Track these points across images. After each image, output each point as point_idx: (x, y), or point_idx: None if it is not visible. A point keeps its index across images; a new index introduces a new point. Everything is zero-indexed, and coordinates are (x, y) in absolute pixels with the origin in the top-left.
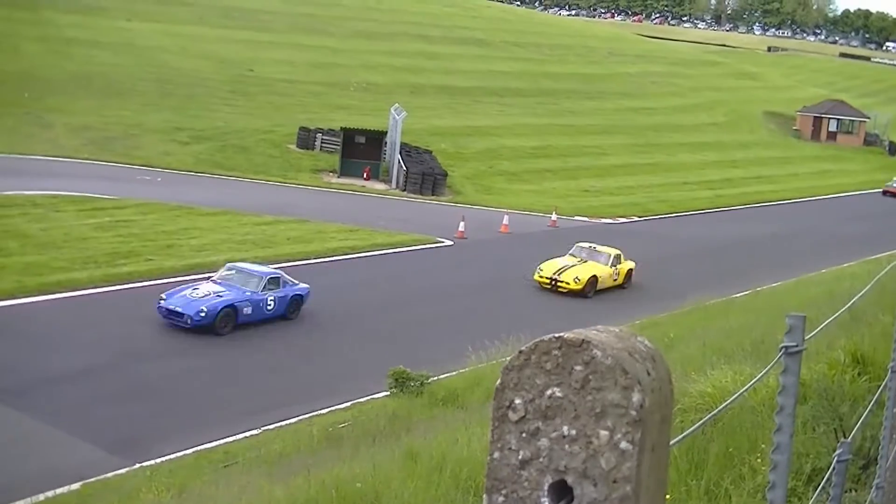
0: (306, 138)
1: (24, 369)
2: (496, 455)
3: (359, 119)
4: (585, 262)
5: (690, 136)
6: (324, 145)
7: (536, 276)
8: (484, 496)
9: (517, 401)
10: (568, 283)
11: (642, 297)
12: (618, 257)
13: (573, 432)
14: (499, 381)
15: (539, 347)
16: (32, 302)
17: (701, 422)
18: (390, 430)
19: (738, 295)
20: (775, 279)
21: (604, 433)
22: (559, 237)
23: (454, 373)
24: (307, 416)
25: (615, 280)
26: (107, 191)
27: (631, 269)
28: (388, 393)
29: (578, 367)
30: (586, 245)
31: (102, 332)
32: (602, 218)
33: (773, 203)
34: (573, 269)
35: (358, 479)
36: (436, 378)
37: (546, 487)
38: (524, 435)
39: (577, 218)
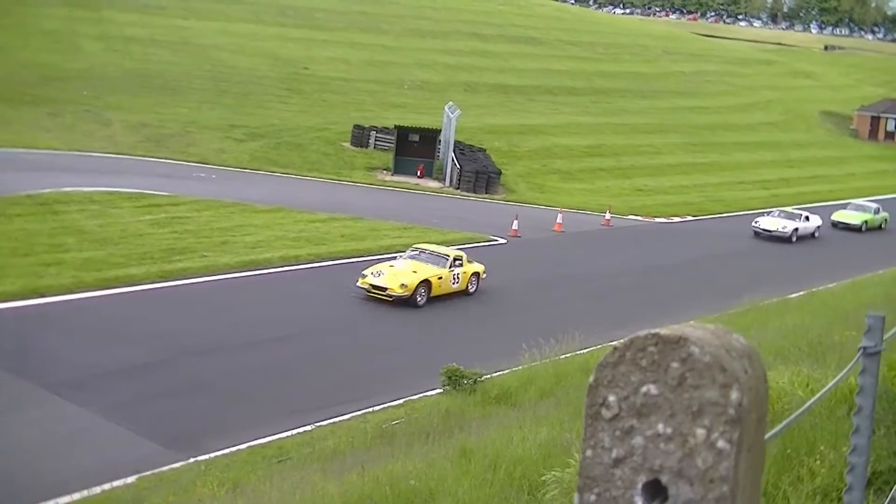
0: (360, 136)
1: (81, 363)
2: (588, 453)
3: (413, 117)
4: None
5: (746, 135)
6: (378, 143)
7: (361, 282)
8: (575, 495)
9: (611, 398)
10: (393, 289)
11: (702, 295)
12: (458, 259)
13: (669, 430)
14: (592, 378)
15: (634, 344)
16: (90, 297)
17: (793, 416)
18: (443, 427)
19: (793, 296)
20: (830, 280)
21: (701, 432)
22: (613, 236)
23: (507, 371)
24: (360, 412)
25: (455, 285)
26: (163, 187)
27: (477, 273)
28: (441, 390)
29: (675, 365)
30: (424, 247)
31: (160, 327)
32: (656, 217)
33: (830, 203)
34: (400, 273)
35: (412, 477)
36: (489, 376)
37: (640, 486)
38: (618, 433)
39: (630, 217)
